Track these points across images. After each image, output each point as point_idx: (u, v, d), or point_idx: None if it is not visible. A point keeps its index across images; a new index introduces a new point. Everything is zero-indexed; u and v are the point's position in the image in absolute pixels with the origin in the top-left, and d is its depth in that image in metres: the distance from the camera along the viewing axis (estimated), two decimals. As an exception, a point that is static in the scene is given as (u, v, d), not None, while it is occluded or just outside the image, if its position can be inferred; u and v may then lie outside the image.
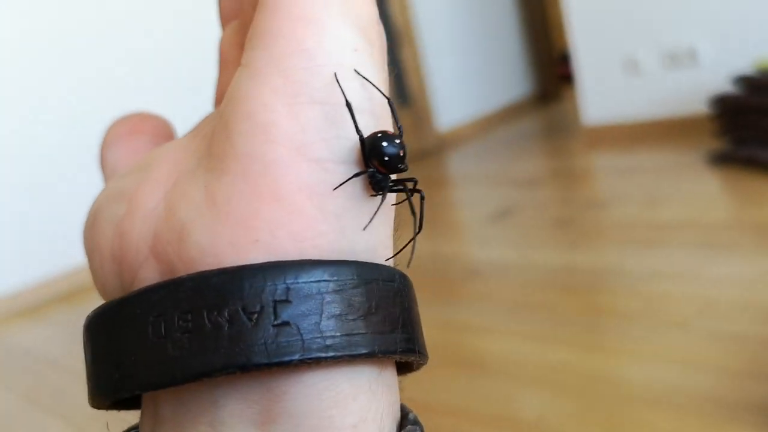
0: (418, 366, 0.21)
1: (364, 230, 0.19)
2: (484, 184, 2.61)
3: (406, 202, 0.20)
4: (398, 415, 0.20)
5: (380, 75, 0.20)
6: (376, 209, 0.18)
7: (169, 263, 0.19)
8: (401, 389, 0.21)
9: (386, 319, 0.18)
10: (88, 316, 0.19)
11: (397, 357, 0.19)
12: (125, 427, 0.21)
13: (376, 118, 0.19)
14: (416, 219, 0.20)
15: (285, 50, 0.18)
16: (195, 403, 0.18)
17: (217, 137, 0.19)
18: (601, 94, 2.72)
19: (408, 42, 3.23)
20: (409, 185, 0.20)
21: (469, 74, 3.58)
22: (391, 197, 0.20)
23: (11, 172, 2.11)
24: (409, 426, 0.19)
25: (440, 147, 3.35)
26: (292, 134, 0.18)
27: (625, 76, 2.64)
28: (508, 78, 3.84)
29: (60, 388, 1.51)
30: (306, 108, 0.18)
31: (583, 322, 1.31)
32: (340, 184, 0.18)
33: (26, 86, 2.13)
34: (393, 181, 0.19)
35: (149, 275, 0.19)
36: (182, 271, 0.18)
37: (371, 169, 0.18)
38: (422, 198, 0.19)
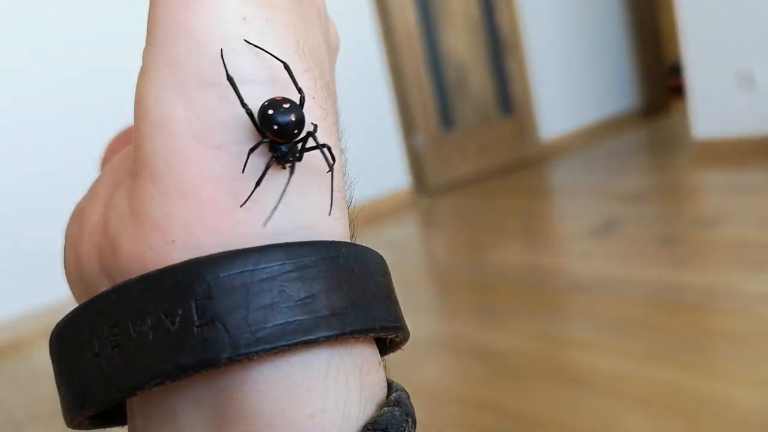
0: (402, 341, 0.20)
1: (288, 207, 0.17)
2: (587, 196, 2.58)
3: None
4: (380, 395, 0.19)
5: (284, 37, 0.18)
6: (286, 183, 0.17)
7: (112, 276, 0.18)
8: (386, 367, 0.20)
9: (330, 301, 0.17)
10: (50, 335, 0.19)
11: (350, 339, 0.17)
12: None
13: (277, 86, 0.18)
14: (332, 169, 0.18)
15: (169, 38, 0.17)
16: (158, 412, 0.17)
17: (134, 143, 0.18)
18: (712, 107, 2.63)
19: (515, 51, 3.23)
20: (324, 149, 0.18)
21: (575, 84, 3.54)
22: (313, 165, 0.18)
23: (57, 183, 2.09)
24: (385, 408, 0.18)
25: (543, 157, 3.32)
26: (188, 123, 0.17)
27: (739, 89, 2.54)
28: (614, 88, 3.77)
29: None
30: (198, 93, 0.17)
31: (691, 343, 1.28)
32: (244, 166, 0.17)
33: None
34: (300, 148, 0.17)
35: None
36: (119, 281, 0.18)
37: (266, 139, 0.17)
38: (329, 149, 0.18)
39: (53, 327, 0.19)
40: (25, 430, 1.47)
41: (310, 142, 0.18)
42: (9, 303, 2.05)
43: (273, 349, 0.16)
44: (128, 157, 0.20)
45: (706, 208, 2.22)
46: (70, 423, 0.18)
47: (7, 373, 1.84)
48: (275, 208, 0.17)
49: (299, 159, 0.17)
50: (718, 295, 1.47)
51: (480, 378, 1.32)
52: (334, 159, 0.18)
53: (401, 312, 0.20)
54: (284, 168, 0.17)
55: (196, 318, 0.16)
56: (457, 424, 1.18)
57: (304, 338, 0.16)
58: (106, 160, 0.25)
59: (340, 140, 0.20)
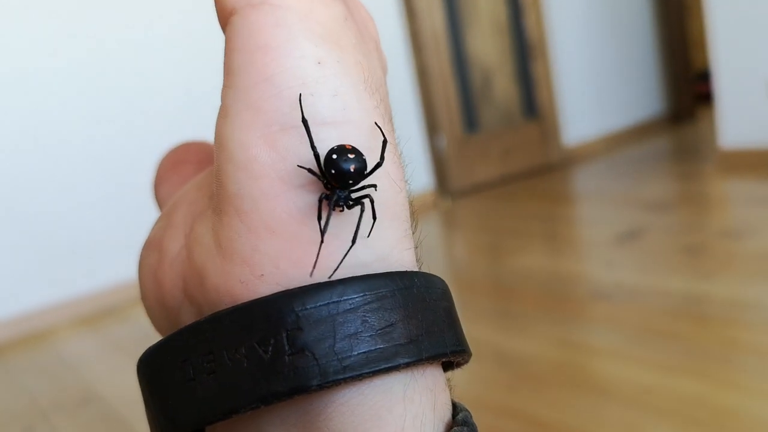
0: (464, 362, 0.21)
1: (365, 240, 0.18)
2: (611, 203, 2.56)
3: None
4: (447, 414, 0.20)
5: (354, 76, 0.19)
6: (357, 222, 0.18)
7: (198, 306, 0.20)
8: (452, 387, 0.21)
9: (407, 329, 0.18)
10: (138, 360, 0.20)
11: (424, 365, 0.18)
12: None
13: (351, 127, 0.19)
14: (364, 216, 0.18)
15: (249, 83, 0.18)
16: (245, 431, 0.18)
17: (214, 180, 0.19)
18: (741, 116, 2.60)
19: (541, 55, 3.21)
20: (369, 191, 0.19)
21: (600, 89, 3.52)
22: (384, 199, 0.19)
23: (77, 183, 2.14)
24: (455, 427, 0.19)
25: (566, 162, 3.31)
26: (272, 165, 0.18)
27: (768, 99, 2.52)
28: (641, 94, 3.74)
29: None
30: (280, 136, 0.18)
31: (716, 355, 1.27)
32: (323, 211, 0.18)
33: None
34: (350, 191, 0.18)
35: (188, 317, 0.20)
36: (208, 312, 0.19)
37: (336, 190, 0.18)
38: (372, 201, 0.19)
39: (143, 353, 0.20)
40: (50, 419, 1.49)
41: (368, 183, 0.19)
42: (36, 292, 2.08)
43: (359, 376, 0.17)
44: (202, 187, 0.21)
45: (732, 219, 2.20)
46: None
47: (33, 362, 1.87)
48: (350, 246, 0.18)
49: (348, 207, 0.18)
50: (743, 308, 1.45)
51: (502, 384, 1.32)
52: (374, 212, 0.19)
53: (464, 334, 0.21)
54: (333, 210, 0.18)
55: (287, 347, 0.17)
56: (479, 430, 1.18)
57: (386, 365, 0.17)
58: (160, 179, 0.26)
59: (403, 169, 0.21)
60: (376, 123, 0.19)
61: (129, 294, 2.17)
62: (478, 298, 1.81)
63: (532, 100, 3.24)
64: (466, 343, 0.21)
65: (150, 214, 1.92)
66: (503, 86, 3.15)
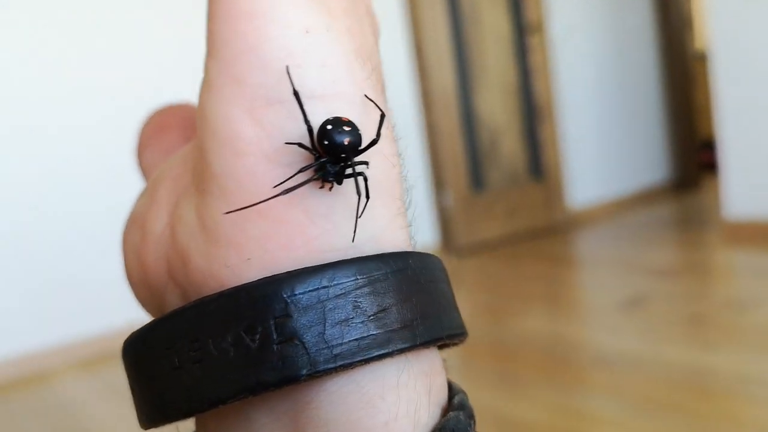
0: (461, 342, 0.20)
1: (360, 219, 0.18)
2: (614, 268, 2.56)
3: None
4: (443, 398, 0.19)
5: (345, 44, 0.18)
6: (360, 197, 0.17)
7: (183, 289, 0.19)
8: (447, 368, 0.20)
9: (401, 314, 0.17)
10: (123, 343, 0.20)
11: (420, 349, 0.18)
12: None
13: (342, 101, 0.18)
14: (362, 200, 0.18)
15: (232, 53, 0.17)
16: (233, 419, 0.18)
17: (197, 156, 0.18)
18: (746, 186, 2.61)
19: (548, 117, 3.26)
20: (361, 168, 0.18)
21: (606, 154, 3.55)
22: (375, 177, 0.18)
23: (83, 225, 2.15)
24: (451, 412, 0.18)
25: (570, 225, 3.32)
26: (258, 143, 0.17)
27: (773, 170, 2.53)
28: (646, 161, 3.77)
29: (187, 422, 1.59)
30: (266, 111, 0.17)
31: (718, 430, 1.26)
32: (293, 186, 0.17)
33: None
34: (343, 172, 0.17)
35: (173, 299, 0.19)
36: (193, 295, 0.18)
37: (323, 160, 0.17)
38: (365, 179, 0.18)
39: (128, 336, 0.19)
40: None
41: (357, 162, 0.18)
42: (36, 334, 2.06)
43: (350, 365, 0.16)
44: (187, 161, 0.20)
45: (737, 290, 2.19)
46: (145, 427, 0.19)
47: (32, 404, 1.84)
48: (356, 224, 0.17)
49: (339, 182, 0.17)
50: (747, 382, 1.44)
51: (501, 449, 1.30)
52: (367, 191, 0.18)
53: (460, 315, 0.20)
54: (322, 187, 0.17)
55: (275, 336, 0.16)
56: None
57: (379, 353, 0.17)
58: (142, 146, 0.25)
59: (395, 143, 0.20)
60: (367, 96, 0.18)
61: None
62: (479, 359, 1.79)
63: (538, 162, 3.27)
64: (463, 324, 0.20)
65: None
66: (510, 147, 3.18)
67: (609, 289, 2.28)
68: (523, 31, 3.17)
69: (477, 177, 3.10)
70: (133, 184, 1.87)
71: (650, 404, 1.39)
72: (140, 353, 0.19)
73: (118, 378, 1.93)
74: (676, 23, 3.84)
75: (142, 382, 0.19)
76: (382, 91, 0.20)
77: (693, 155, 4.00)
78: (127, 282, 0.22)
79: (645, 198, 3.70)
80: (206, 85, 0.18)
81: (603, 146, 3.54)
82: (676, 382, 1.48)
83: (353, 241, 0.18)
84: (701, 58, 4.00)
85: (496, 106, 3.13)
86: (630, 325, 1.88)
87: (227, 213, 0.17)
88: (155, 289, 0.20)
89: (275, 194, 0.17)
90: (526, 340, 1.87)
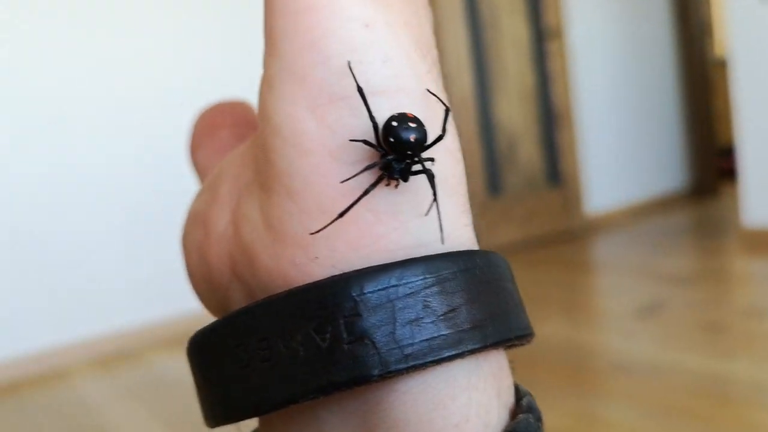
0: (527, 342, 0.20)
1: (423, 219, 0.17)
2: (631, 274, 2.55)
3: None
4: (511, 400, 0.19)
5: (404, 38, 0.18)
6: (433, 196, 0.17)
7: (248, 286, 0.19)
8: (513, 368, 0.20)
9: (471, 314, 0.17)
10: (188, 341, 0.20)
11: (489, 350, 0.17)
12: None
13: (404, 95, 0.17)
14: (436, 199, 0.17)
15: (293, 50, 0.17)
16: (300, 418, 0.18)
17: (259, 154, 0.18)
18: (765, 193, 2.59)
19: (566, 123, 3.25)
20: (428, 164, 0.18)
21: (624, 160, 3.54)
22: (441, 174, 0.18)
23: (100, 224, 2.17)
24: (521, 415, 0.18)
25: (588, 230, 3.31)
26: (322, 140, 0.17)
27: (794, 178, 2.52)
28: (664, 167, 3.76)
29: (201, 423, 1.60)
30: (329, 108, 0.17)
31: (736, 439, 1.25)
32: (349, 178, 0.17)
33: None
34: (409, 169, 0.17)
35: (237, 295, 0.20)
36: (259, 293, 0.18)
37: (389, 157, 0.17)
38: (432, 176, 0.17)
39: (193, 333, 0.19)
40: (61, 461, 1.48)
41: (423, 158, 0.18)
42: (55, 331, 2.09)
43: (422, 365, 0.16)
44: (246, 158, 0.20)
45: (755, 298, 2.18)
46: (211, 425, 0.19)
47: (49, 402, 1.87)
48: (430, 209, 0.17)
49: (405, 179, 0.17)
50: (765, 390, 1.43)
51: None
52: (435, 189, 0.17)
53: (527, 315, 0.20)
54: (388, 184, 0.17)
55: (345, 335, 0.16)
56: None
57: (450, 353, 0.16)
58: (195, 146, 0.25)
59: (457, 138, 0.20)
60: (431, 91, 0.18)
61: (146, 338, 2.18)
62: (495, 363, 1.79)
63: (556, 167, 3.26)
64: (530, 324, 0.20)
65: (173, 257, 1.91)
66: (528, 152, 3.18)
67: (626, 295, 2.27)
68: (542, 36, 3.17)
69: (494, 182, 3.10)
70: (154, 185, 1.90)
71: (667, 411, 1.39)
72: (207, 351, 0.19)
73: (135, 378, 1.96)
74: (695, 29, 3.83)
75: (209, 381, 0.19)
76: (441, 81, 0.20)
77: (712, 161, 3.97)
78: (189, 279, 0.22)
79: (663, 204, 3.69)
80: (267, 83, 0.18)
81: (621, 152, 3.53)
82: (693, 389, 1.48)
83: (443, 242, 0.18)
84: (721, 64, 3.98)
85: (515, 111, 3.13)
86: (647, 331, 1.88)
87: (315, 232, 0.17)
88: (218, 286, 0.20)
89: (357, 199, 0.17)
90: (542, 346, 1.87)
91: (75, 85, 2.13)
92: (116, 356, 2.13)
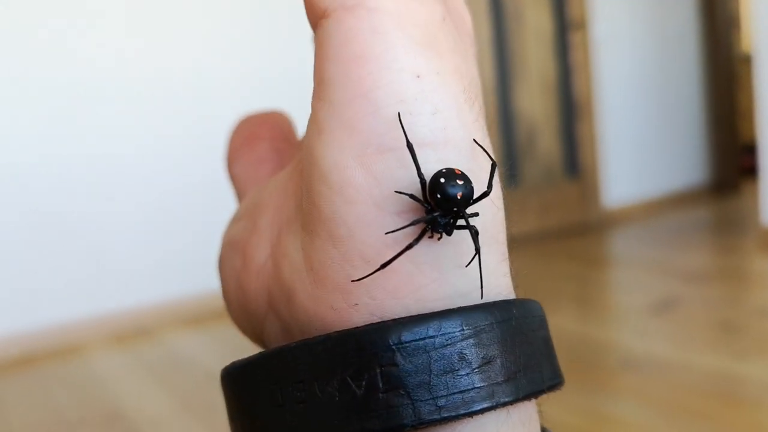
0: (557, 390, 0.20)
1: (463, 269, 0.18)
2: (647, 270, 2.54)
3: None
4: None
5: (453, 86, 0.18)
6: (476, 252, 0.17)
7: (285, 322, 0.19)
8: (541, 412, 0.20)
9: (505, 366, 0.17)
10: (223, 370, 0.20)
11: (521, 401, 0.18)
12: None
13: (451, 147, 0.18)
14: (479, 255, 0.18)
15: (344, 98, 0.17)
16: None
17: (303, 196, 0.18)
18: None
19: (587, 115, 3.23)
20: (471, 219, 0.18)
21: (644, 154, 3.51)
22: (479, 224, 0.18)
23: (121, 202, 2.20)
24: None
25: (604, 224, 3.29)
26: (368, 190, 0.17)
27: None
28: (684, 162, 3.72)
29: (214, 401, 1.63)
30: (376, 159, 0.17)
31: (745, 441, 1.25)
32: (397, 230, 0.17)
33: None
34: (453, 223, 0.17)
35: (273, 328, 0.20)
36: (296, 332, 0.19)
37: (435, 214, 0.17)
38: (476, 233, 0.18)
39: (230, 364, 0.20)
40: (75, 435, 1.51)
41: (468, 214, 0.18)
42: (71, 306, 2.12)
43: (455, 417, 0.16)
44: (288, 191, 0.20)
45: (770, 298, 2.16)
46: None
47: (64, 375, 1.90)
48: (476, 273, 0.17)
49: (449, 233, 0.17)
50: (777, 393, 1.43)
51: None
52: (478, 245, 0.18)
53: (558, 363, 0.20)
54: (431, 237, 0.17)
55: (381, 384, 0.16)
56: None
57: (482, 406, 0.17)
58: (233, 157, 0.25)
59: (501, 187, 0.20)
60: (478, 143, 0.18)
61: (164, 316, 2.20)
62: (506, 355, 1.80)
63: (575, 159, 3.24)
64: (560, 372, 0.20)
65: (192, 236, 1.92)
66: (547, 143, 3.17)
67: (640, 291, 2.26)
68: (566, 28, 3.14)
69: (512, 173, 3.09)
70: (174, 168, 1.90)
71: (677, 410, 1.39)
72: (242, 385, 0.19)
73: (150, 354, 1.99)
74: (721, 24, 3.77)
75: (243, 414, 0.19)
76: (486, 126, 0.20)
77: (734, 158, 3.93)
78: (225, 303, 0.22)
79: (682, 200, 3.66)
80: (315, 128, 0.18)
81: (641, 146, 3.50)
82: (704, 388, 1.47)
83: (482, 297, 0.18)
84: (747, 60, 3.92)
85: (535, 102, 3.11)
86: (660, 328, 1.87)
87: (356, 280, 0.17)
88: (254, 316, 0.21)
89: (400, 252, 0.17)
90: (554, 340, 1.87)
91: (103, 68, 2.14)
92: (132, 333, 2.16)
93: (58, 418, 1.60)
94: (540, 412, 0.20)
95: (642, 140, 3.50)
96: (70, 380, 1.86)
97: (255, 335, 0.21)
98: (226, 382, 0.20)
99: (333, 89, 0.17)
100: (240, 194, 0.24)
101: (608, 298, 2.36)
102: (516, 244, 0.20)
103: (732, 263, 2.60)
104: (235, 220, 0.23)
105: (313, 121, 0.18)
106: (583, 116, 3.23)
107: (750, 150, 3.57)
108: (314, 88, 0.18)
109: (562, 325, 1.97)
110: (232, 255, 0.22)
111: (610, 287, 2.51)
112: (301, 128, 0.22)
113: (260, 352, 0.19)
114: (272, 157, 0.24)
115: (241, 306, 0.21)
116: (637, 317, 2.01)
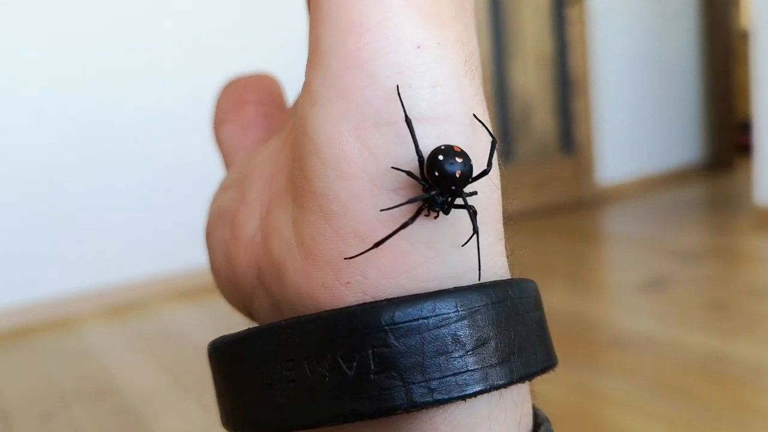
0: (550, 371, 0.19)
1: (459, 249, 0.17)
2: (639, 248, 2.55)
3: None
4: (530, 426, 0.19)
5: (454, 58, 0.17)
6: (474, 232, 0.17)
7: (274, 298, 0.19)
8: (534, 393, 0.20)
9: (499, 348, 0.17)
10: (210, 345, 0.20)
11: (515, 384, 0.17)
12: None
13: (451, 122, 0.17)
14: (477, 236, 0.17)
15: (340, 67, 0.16)
16: None
17: (294, 168, 0.18)
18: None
19: (582, 91, 3.22)
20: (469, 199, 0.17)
21: (639, 130, 3.50)
22: (476, 202, 0.18)
23: (117, 174, 2.20)
24: None
25: (598, 200, 3.30)
26: (364, 166, 0.16)
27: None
28: (679, 139, 3.72)
29: (207, 375, 1.63)
30: (373, 133, 0.16)
31: (732, 418, 1.26)
32: (390, 207, 0.16)
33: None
34: (450, 202, 0.17)
35: (262, 303, 0.20)
36: (286, 309, 0.18)
37: (433, 192, 0.16)
38: (475, 212, 0.17)
39: (217, 338, 0.19)
40: (70, 406, 1.52)
41: (468, 188, 0.17)
42: (64, 279, 2.12)
43: (447, 400, 0.16)
44: (278, 162, 0.20)
45: (762, 277, 2.17)
46: (230, 429, 0.19)
47: (57, 349, 1.91)
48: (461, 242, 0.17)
49: (446, 212, 0.17)
50: (764, 372, 1.44)
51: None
52: (476, 224, 0.17)
53: (552, 344, 0.20)
54: (428, 215, 0.17)
55: (372, 365, 0.16)
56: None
57: (475, 389, 0.16)
58: (219, 121, 0.24)
59: (498, 166, 0.20)
60: (479, 118, 0.17)
61: (157, 290, 2.21)
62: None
63: (570, 136, 3.24)
64: (554, 354, 0.19)
65: (186, 211, 1.92)
66: (542, 119, 3.16)
67: (632, 268, 2.27)
68: (563, 2, 3.11)
69: (506, 149, 3.08)
70: (172, 144, 1.89)
71: (663, 387, 1.40)
72: (231, 361, 0.19)
73: (142, 328, 1.99)
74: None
75: (231, 390, 0.19)
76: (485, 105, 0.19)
77: (729, 136, 3.92)
78: (213, 275, 0.22)
79: (677, 177, 3.66)
80: (309, 98, 0.17)
81: (637, 122, 3.49)
82: (691, 367, 1.49)
83: (479, 279, 0.17)
84: (745, 36, 3.90)
85: (531, 77, 3.09)
86: (650, 306, 1.89)
87: (349, 258, 0.17)
88: (242, 290, 0.20)
89: (395, 230, 0.16)
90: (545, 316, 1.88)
91: (111, 42, 2.12)
92: (125, 306, 2.17)
93: (51, 391, 1.61)
94: (532, 392, 0.20)
95: (637, 117, 3.49)
96: (63, 353, 1.87)
97: (244, 308, 0.21)
98: (214, 358, 0.20)
99: (328, 57, 0.17)
100: (227, 160, 0.24)
101: (600, 275, 2.37)
102: (510, 221, 0.20)
103: (725, 242, 2.61)
104: (223, 188, 0.22)
105: (307, 90, 0.17)
106: (578, 92, 3.21)
107: (745, 127, 3.57)
108: (309, 54, 0.17)
109: (552, 301, 1.98)
110: (221, 226, 0.21)
111: (603, 264, 2.52)
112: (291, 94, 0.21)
113: (249, 328, 0.18)
114: (260, 122, 0.23)
115: (229, 279, 0.21)
116: (628, 295, 2.03)
